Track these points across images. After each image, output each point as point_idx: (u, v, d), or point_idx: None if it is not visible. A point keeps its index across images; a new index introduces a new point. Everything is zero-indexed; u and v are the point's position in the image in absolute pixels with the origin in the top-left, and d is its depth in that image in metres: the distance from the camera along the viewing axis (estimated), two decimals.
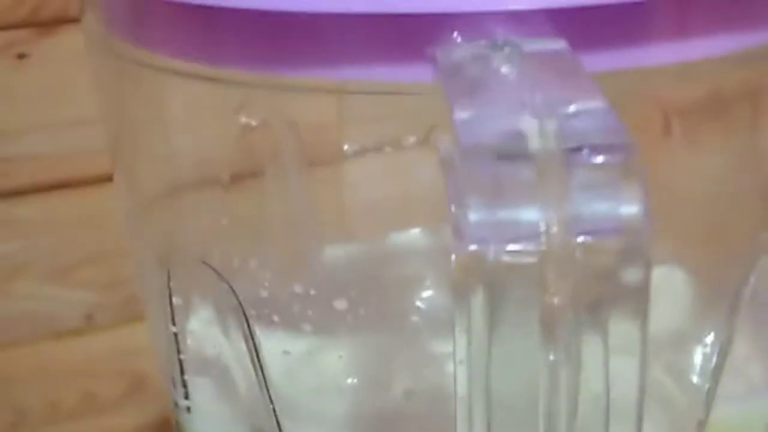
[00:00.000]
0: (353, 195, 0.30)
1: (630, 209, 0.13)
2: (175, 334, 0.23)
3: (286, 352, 0.24)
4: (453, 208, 0.14)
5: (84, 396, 0.52)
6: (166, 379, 0.24)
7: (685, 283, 0.27)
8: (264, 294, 0.24)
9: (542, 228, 0.13)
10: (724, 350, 0.24)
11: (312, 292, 0.25)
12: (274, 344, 0.24)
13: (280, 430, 0.22)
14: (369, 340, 0.25)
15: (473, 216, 0.13)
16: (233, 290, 0.21)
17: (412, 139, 0.30)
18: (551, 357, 0.16)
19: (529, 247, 0.14)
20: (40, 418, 0.52)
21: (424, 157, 0.30)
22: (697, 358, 0.25)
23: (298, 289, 0.25)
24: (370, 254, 0.29)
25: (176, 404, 0.24)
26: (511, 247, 0.14)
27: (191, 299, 0.23)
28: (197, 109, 0.26)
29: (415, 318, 0.26)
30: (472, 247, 0.15)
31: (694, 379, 0.25)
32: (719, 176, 0.26)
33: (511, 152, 0.14)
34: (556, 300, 0.15)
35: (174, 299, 0.22)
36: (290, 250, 0.27)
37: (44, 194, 0.48)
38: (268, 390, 0.22)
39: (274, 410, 0.22)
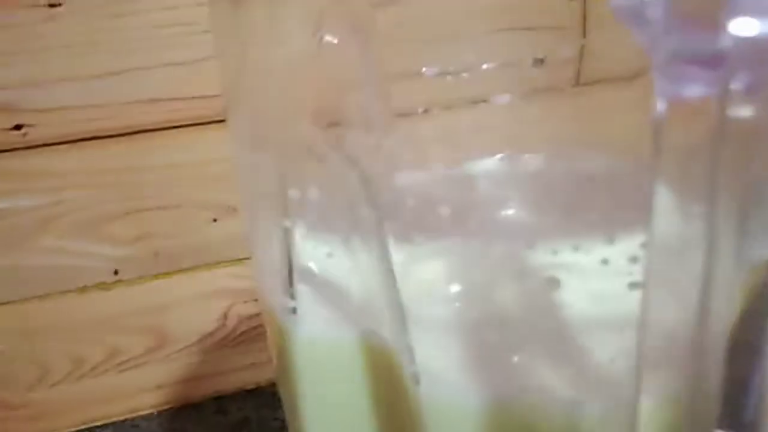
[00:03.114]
0: (431, 121, 0.30)
1: None
2: (287, 229, 0.23)
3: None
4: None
5: (109, 352, 0.52)
6: (272, 282, 0.24)
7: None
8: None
9: None
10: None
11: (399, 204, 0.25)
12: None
13: (400, 331, 0.22)
14: (465, 249, 0.25)
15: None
16: (365, 178, 0.20)
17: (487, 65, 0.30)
18: None
19: None
20: (65, 373, 0.51)
21: (503, 83, 0.31)
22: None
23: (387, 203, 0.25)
24: (448, 178, 0.29)
25: (282, 307, 0.24)
26: None
27: (307, 193, 0.23)
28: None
29: (507, 230, 0.26)
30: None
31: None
32: None
33: None
34: None
35: (291, 191, 0.22)
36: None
37: (73, 146, 0.47)
38: (392, 289, 0.21)
39: (396, 310, 0.21)
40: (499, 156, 0.29)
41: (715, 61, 0.13)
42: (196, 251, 0.51)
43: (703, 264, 0.15)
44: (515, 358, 0.22)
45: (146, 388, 0.53)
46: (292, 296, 0.23)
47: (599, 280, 0.24)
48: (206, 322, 0.53)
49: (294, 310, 0.23)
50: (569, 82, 0.31)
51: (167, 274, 0.52)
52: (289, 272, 0.23)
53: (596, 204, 0.28)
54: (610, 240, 0.25)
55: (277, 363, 0.25)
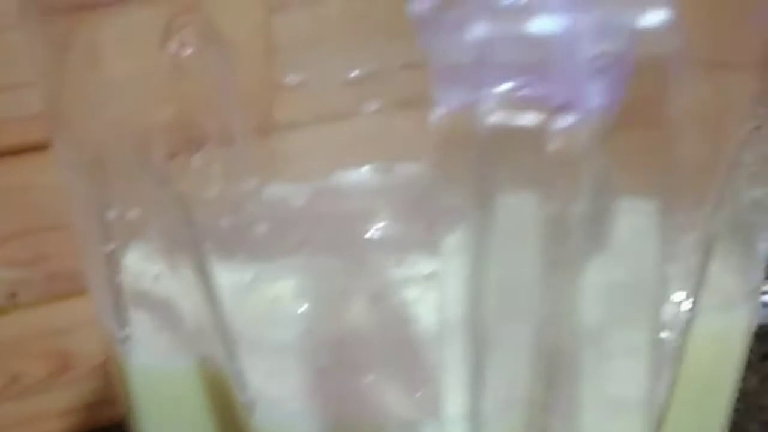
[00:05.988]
0: (296, 132, 0.29)
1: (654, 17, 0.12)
2: (111, 253, 0.21)
3: (230, 282, 0.22)
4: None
5: (10, 378, 0.50)
6: (102, 311, 0.23)
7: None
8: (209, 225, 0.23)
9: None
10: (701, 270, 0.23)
11: (257, 222, 0.24)
12: (217, 273, 0.22)
13: (231, 357, 0.20)
14: (318, 267, 0.24)
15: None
16: (181, 196, 0.19)
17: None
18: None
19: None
20: None
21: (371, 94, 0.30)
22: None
23: (241, 220, 0.24)
24: (317, 191, 0.28)
25: (115, 335, 0.22)
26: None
27: (129, 215, 0.21)
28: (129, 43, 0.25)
29: (366, 246, 0.25)
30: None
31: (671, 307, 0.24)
32: None
33: None
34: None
35: (109, 213, 0.21)
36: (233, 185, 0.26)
37: None
38: (218, 312, 0.20)
39: (225, 334, 0.20)
40: (367, 167, 0.28)
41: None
42: None
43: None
44: (355, 380, 0.20)
45: (51, 414, 0.52)
46: (123, 324, 0.22)
47: None
48: None
49: (126, 339, 0.22)
50: None
51: (66, 295, 0.50)
52: (118, 299, 0.22)
53: None
54: None
55: (120, 394, 0.24)
